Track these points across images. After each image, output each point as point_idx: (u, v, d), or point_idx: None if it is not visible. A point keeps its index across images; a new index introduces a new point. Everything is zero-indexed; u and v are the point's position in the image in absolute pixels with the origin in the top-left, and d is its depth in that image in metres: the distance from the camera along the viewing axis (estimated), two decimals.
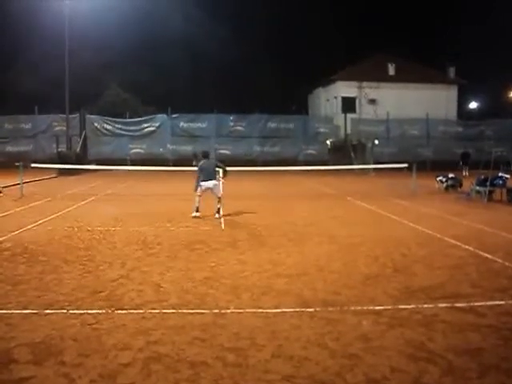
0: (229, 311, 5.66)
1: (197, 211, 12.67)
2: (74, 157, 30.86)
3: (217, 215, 12.73)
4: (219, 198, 12.96)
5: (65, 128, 33.53)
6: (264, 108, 40.57)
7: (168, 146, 38.33)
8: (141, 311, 5.65)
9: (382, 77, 44.89)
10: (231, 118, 40.11)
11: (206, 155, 13.36)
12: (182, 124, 39.38)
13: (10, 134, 38.08)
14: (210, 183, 12.81)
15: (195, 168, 13.29)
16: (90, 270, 7.45)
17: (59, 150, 32.74)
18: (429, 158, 38.06)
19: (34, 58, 40.87)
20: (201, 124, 39.67)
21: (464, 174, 26.80)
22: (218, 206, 12.90)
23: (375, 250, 8.92)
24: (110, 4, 36.38)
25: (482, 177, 17.09)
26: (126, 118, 38.93)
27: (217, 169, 13.20)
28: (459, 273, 7.40)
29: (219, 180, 13.28)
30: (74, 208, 14.61)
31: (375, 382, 4.01)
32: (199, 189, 12.73)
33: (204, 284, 6.76)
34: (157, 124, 39.20)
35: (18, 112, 37.73)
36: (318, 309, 5.73)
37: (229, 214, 13.18)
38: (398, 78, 44.62)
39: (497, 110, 43.09)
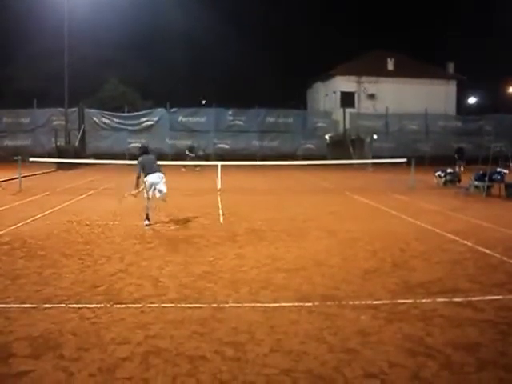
0: (227, 305, 5.67)
1: (147, 218, 10.87)
2: (73, 151, 30.80)
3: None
4: (164, 199, 11.03)
5: (63, 122, 33.42)
6: (263, 102, 40.54)
7: (167, 140, 38.24)
8: (139, 305, 5.65)
9: (380, 72, 44.81)
10: (230, 112, 39.98)
11: (145, 150, 11.28)
12: (180, 118, 39.27)
13: (9, 128, 37.95)
14: (157, 176, 10.72)
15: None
16: (88, 265, 7.46)
17: (58, 144, 32.66)
18: (427, 153, 38.01)
19: (33, 52, 40.77)
20: (200, 118, 39.55)
21: (459, 169, 26.72)
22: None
23: (374, 245, 8.93)
24: None
25: (481, 172, 17.10)
26: (124, 112, 38.84)
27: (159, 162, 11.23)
28: (457, 268, 7.41)
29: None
30: (73, 202, 14.60)
31: (373, 376, 4.02)
32: (147, 186, 10.71)
33: (203, 278, 6.77)
34: (155, 118, 39.09)
35: (16, 106, 37.59)
36: (316, 303, 5.74)
37: (228, 209, 13.19)
38: (397, 73, 44.57)
39: (496, 105, 43.13)
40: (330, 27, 55.67)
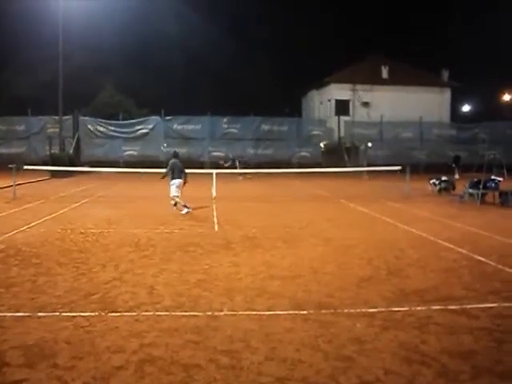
0: (222, 313, 5.66)
1: (187, 207, 13.68)
2: (67, 159, 30.71)
3: (186, 210, 13.65)
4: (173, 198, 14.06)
5: (58, 130, 33.37)
6: (258, 110, 40.61)
7: (161, 148, 38.19)
8: (134, 314, 5.63)
9: (375, 80, 45.09)
10: (225, 120, 40.05)
11: (176, 155, 14.47)
12: (175, 126, 39.30)
13: (3, 136, 37.88)
14: (178, 182, 13.89)
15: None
16: (83, 273, 7.42)
17: (52, 151, 32.58)
18: (422, 161, 38.19)
19: (27, 59, 40.78)
20: (194, 126, 39.60)
21: (456, 176, 26.92)
22: (183, 204, 13.85)
23: (369, 253, 8.94)
24: (105, 6, 36.37)
25: (475, 179, 17.16)
26: (119, 119, 38.80)
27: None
28: (452, 275, 7.43)
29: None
30: (67, 210, 14.55)
31: None
32: (176, 188, 13.82)
33: (197, 286, 6.75)
34: (150, 126, 39.09)
35: (11, 113, 37.54)
36: (311, 311, 5.73)
37: (223, 216, 13.19)
38: (392, 81, 44.88)
39: (490, 112, 43.36)
40: (324, 36, 55.97)
